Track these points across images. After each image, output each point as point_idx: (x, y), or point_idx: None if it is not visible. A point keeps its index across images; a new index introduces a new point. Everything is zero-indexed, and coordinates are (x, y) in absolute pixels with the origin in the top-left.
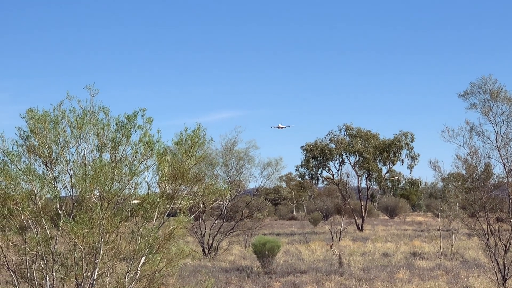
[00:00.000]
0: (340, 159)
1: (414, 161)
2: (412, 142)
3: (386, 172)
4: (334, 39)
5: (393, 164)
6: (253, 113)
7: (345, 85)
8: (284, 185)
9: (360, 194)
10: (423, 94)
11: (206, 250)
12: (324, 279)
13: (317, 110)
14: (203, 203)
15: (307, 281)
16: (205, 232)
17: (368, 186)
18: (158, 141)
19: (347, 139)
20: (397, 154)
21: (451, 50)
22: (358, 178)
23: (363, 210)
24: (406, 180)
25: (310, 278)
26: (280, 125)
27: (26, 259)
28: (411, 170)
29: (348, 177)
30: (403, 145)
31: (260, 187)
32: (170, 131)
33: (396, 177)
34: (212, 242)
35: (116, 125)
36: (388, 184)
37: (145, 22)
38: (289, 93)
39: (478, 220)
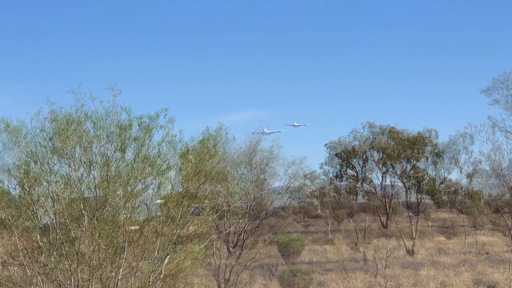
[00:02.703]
0: (364, 157)
1: (438, 157)
2: (436, 139)
3: (410, 169)
4: (358, 38)
5: (417, 161)
6: (275, 112)
7: (368, 84)
8: (308, 183)
9: (410, 210)
10: (447, 91)
11: (222, 286)
12: (350, 276)
13: (339, 109)
14: (227, 202)
15: (333, 278)
16: (220, 263)
17: (392, 183)
18: (180, 141)
19: (371, 136)
20: (421, 151)
21: (476, 46)
22: (406, 191)
23: (387, 207)
24: (465, 192)
25: (336, 276)
26: (295, 123)
27: (51, 259)
28: (435, 167)
29: (393, 189)
30: (427, 142)
31: (286, 205)
32: (191, 131)
33: (453, 188)
34: (230, 275)
35: (139, 125)
36: (444, 197)
37: (165, 23)
38: (312, 92)
39: (502, 216)
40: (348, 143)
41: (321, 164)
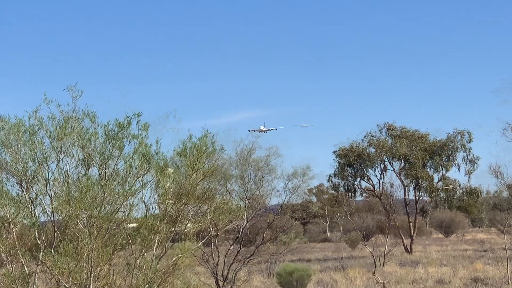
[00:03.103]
0: (382, 166)
1: (473, 165)
2: (469, 142)
3: (439, 180)
4: (367, 31)
5: (447, 170)
6: (276, 112)
7: (382, 80)
8: (314, 199)
9: (408, 208)
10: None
11: (220, 283)
12: None
13: (350, 108)
14: (215, 226)
15: None
16: (218, 260)
17: (417, 198)
18: (157, 153)
19: (390, 141)
20: (451, 157)
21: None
22: (404, 189)
23: (411, 227)
24: (464, 189)
25: None
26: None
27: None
28: (469, 177)
29: (392, 187)
30: (459, 146)
31: (285, 203)
32: (175, 137)
33: (451, 186)
34: (228, 273)
35: (106, 134)
36: (442, 194)
37: (161, 19)
38: (318, 88)
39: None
40: (363, 150)
41: (329, 176)
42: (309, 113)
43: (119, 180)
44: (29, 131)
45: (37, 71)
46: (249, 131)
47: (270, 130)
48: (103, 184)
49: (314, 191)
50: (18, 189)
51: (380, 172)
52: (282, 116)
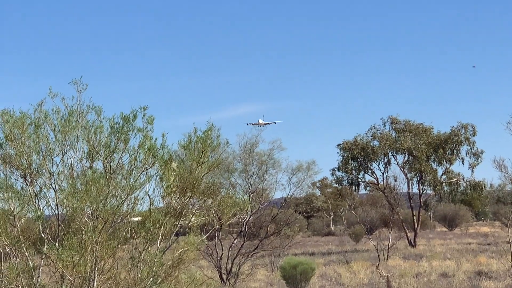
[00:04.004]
0: (386, 159)
1: (477, 159)
2: (473, 136)
3: (443, 174)
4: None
5: (451, 164)
6: (276, 106)
7: (386, 72)
8: (318, 192)
9: (411, 201)
10: (483, 80)
11: (224, 276)
12: None
13: (354, 102)
14: (219, 219)
15: None
16: (222, 254)
17: (421, 191)
18: (162, 147)
19: (393, 134)
20: (455, 151)
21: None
22: (408, 182)
23: (415, 221)
24: (468, 183)
25: None
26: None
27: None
28: (473, 171)
29: (395, 181)
30: (463, 140)
31: (288, 197)
32: (177, 131)
33: (455, 180)
34: (232, 266)
35: (111, 127)
36: (446, 188)
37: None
38: (319, 81)
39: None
40: (366, 143)
41: (333, 170)
42: (311, 108)
43: (124, 174)
44: (34, 124)
45: (42, 66)
46: (247, 124)
47: (269, 123)
48: (107, 177)
49: (317, 184)
50: (23, 183)
51: (383, 166)
52: (285, 111)
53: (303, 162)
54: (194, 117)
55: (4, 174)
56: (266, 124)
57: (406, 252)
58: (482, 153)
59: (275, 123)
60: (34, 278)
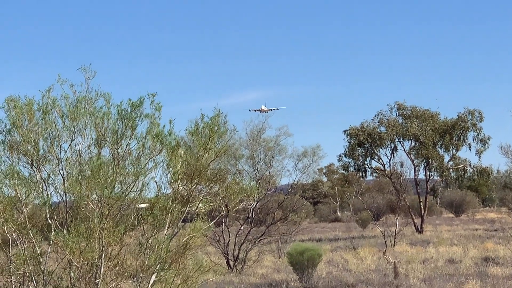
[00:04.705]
0: (392, 146)
1: (484, 145)
2: (480, 122)
3: (449, 160)
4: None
5: (458, 150)
6: (285, 92)
7: (394, 57)
8: (324, 179)
9: (418, 187)
10: (490, 65)
11: (231, 263)
12: None
13: (361, 87)
14: (226, 206)
15: None
16: (229, 240)
17: (428, 177)
18: (170, 134)
19: (400, 120)
20: (462, 137)
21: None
22: (415, 168)
23: (422, 207)
24: (474, 169)
25: None
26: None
27: (11, 280)
28: (480, 157)
29: (402, 167)
30: (470, 126)
31: (295, 183)
32: (183, 117)
33: (461, 166)
34: (239, 253)
35: (118, 114)
36: (452, 174)
37: None
38: (328, 67)
39: None
40: (373, 129)
41: (340, 156)
42: (318, 94)
43: (131, 160)
44: (42, 110)
45: (50, 52)
46: (249, 110)
47: (271, 110)
48: (115, 164)
49: (324, 171)
50: (30, 169)
51: (390, 152)
52: (292, 97)
53: (308, 148)
54: (201, 103)
55: (10, 160)
56: (269, 110)
57: (413, 238)
58: (489, 139)
59: (277, 109)
60: (41, 265)
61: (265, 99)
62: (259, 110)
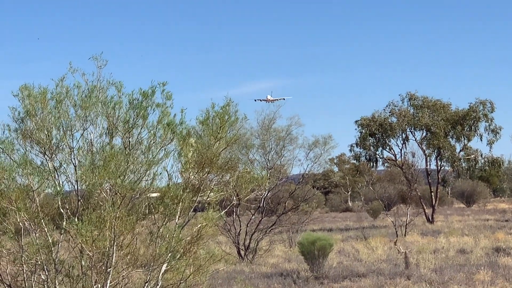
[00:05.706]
0: (404, 136)
1: (495, 135)
2: (491, 112)
3: (461, 150)
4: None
5: (469, 140)
6: (295, 81)
7: (406, 48)
8: (335, 169)
9: (429, 177)
10: (503, 56)
11: (242, 252)
12: (388, 283)
13: (373, 78)
14: (237, 195)
15: (367, 286)
16: (240, 230)
17: (439, 167)
18: (181, 123)
19: (412, 110)
20: (473, 127)
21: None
22: (426, 159)
23: (433, 197)
24: (486, 159)
25: (371, 282)
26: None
27: (23, 269)
28: (491, 147)
29: (413, 157)
30: (481, 116)
31: (306, 172)
32: (194, 106)
33: (473, 156)
34: (250, 242)
35: (130, 103)
36: (464, 164)
37: None
38: (340, 58)
39: None
40: (384, 119)
41: (351, 146)
42: (329, 84)
43: (143, 150)
44: (56, 99)
45: (62, 41)
46: (255, 100)
47: (277, 99)
48: (126, 153)
49: (335, 160)
50: (42, 158)
51: (401, 142)
52: (304, 86)
53: (320, 137)
54: (212, 93)
55: (24, 149)
56: (275, 100)
57: (424, 228)
58: (500, 130)
59: (283, 99)
60: (54, 253)
61: (276, 89)
62: (265, 100)
